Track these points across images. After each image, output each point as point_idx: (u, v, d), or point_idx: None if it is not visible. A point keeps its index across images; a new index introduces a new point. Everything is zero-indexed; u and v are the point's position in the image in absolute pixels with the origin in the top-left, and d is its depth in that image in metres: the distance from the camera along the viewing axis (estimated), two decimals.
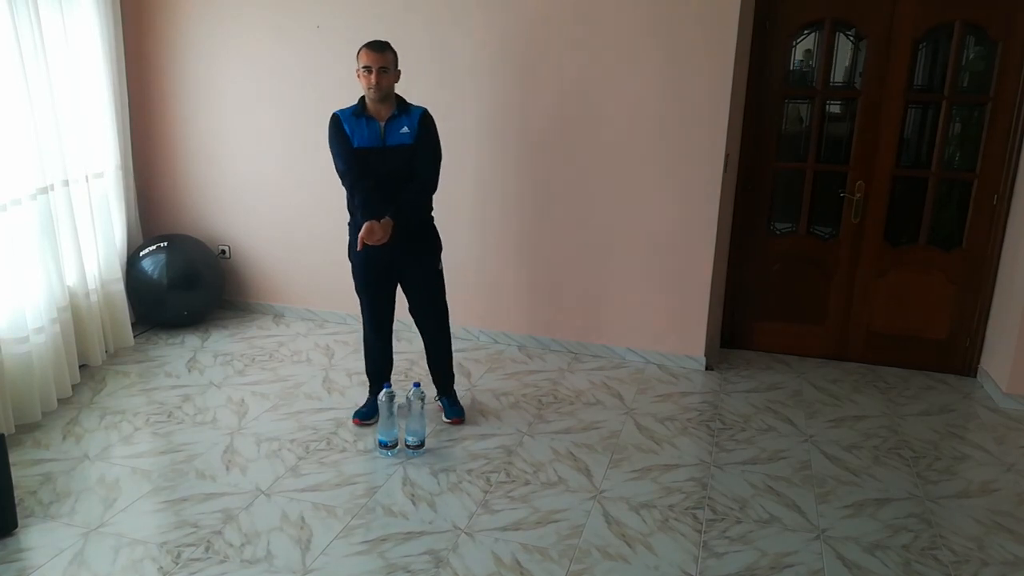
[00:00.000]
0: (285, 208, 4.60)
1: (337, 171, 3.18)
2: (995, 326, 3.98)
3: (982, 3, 3.72)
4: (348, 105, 3.21)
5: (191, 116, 4.60)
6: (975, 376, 4.14)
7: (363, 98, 3.16)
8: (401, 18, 4.06)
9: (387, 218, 3.07)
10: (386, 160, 3.13)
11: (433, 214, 3.33)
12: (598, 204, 4.08)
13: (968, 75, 3.93)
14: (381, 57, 3.06)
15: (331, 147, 3.17)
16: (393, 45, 3.14)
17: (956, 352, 4.16)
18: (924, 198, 4.03)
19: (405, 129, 3.14)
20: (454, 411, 3.46)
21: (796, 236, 4.23)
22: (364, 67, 3.07)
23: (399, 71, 3.18)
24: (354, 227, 3.24)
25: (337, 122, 3.16)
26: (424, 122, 3.18)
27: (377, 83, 3.06)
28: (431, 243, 3.34)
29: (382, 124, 3.13)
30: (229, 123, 4.55)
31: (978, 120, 3.91)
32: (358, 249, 3.09)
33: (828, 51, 3.97)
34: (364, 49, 3.08)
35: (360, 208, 3.11)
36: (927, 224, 4.06)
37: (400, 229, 3.09)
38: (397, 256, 3.22)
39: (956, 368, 4.17)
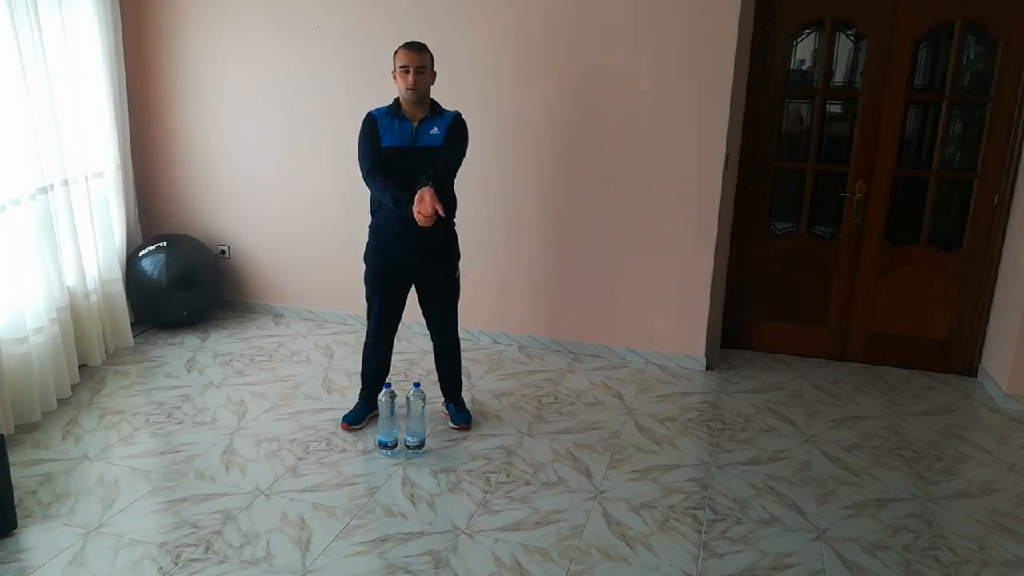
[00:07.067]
0: (284, 208, 4.59)
1: (361, 169, 3.14)
2: (996, 326, 3.98)
3: (983, 2, 3.72)
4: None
5: (190, 116, 4.60)
6: (976, 376, 4.13)
7: (397, 99, 3.14)
8: (401, 18, 4.06)
9: (425, 188, 2.92)
10: (412, 161, 3.09)
11: (455, 220, 3.30)
12: (598, 204, 4.08)
13: (969, 74, 3.92)
14: (419, 57, 3.04)
15: (359, 145, 3.13)
16: (392, 44, 3.14)
17: (957, 352, 4.16)
18: (925, 198, 4.02)
19: (435, 131, 3.11)
20: (461, 417, 3.44)
21: (796, 236, 4.22)
22: (402, 67, 3.04)
23: (435, 72, 3.16)
24: (375, 229, 3.23)
25: (372, 121, 3.12)
26: (455, 125, 3.16)
27: (415, 83, 3.03)
28: (451, 250, 3.30)
29: (414, 125, 3.11)
30: (228, 123, 4.55)
31: (979, 120, 3.91)
32: (426, 226, 2.93)
33: (828, 51, 3.96)
34: (402, 49, 3.06)
35: (392, 204, 3.04)
36: (928, 224, 4.05)
37: (424, 234, 3.03)
38: (415, 262, 3.21)
39: (957, 368, 4.17)
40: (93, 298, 3.96)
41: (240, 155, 4.59)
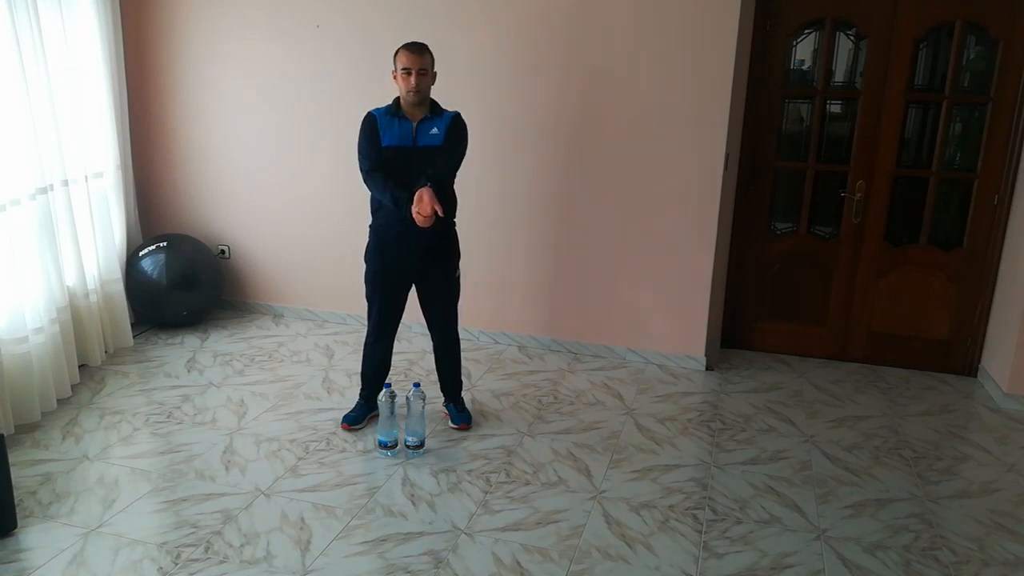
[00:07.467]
0: (284, 208, 4.59)
1: (360, 169, 3.14)
2: (996, 326, 3.98)
3: (983, 2, 3.72)
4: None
5: (190, 116, 4.60)
6: (976, 376, 4.13)
7: (397, 99, 3.13)
8: (401, 18, 4.06)
9: (424, 188, 2.93)
10: (412, 160, 3.09)
11: (455, 220, 3.29)
12: (598, 204, 4.07)
13: (969, 74, 3.92)
14: (420, 59, 3.03)
15: (359, 145, 3.13)
16: (392, 44, 3.14)
17: (957, 352, 4.16)
18: (925, 198, 4.02)
19: (435, 131, 3.11)
20: (461, 417, 3.44)
21: (796, 236, 4.22)
22: (403, 69, 3.03)
23: (435, 73, 3.15)
24: (375, 229, 3.24)
25: (372, 121, 3.12)
26: (455, 125, 3.15)
27: (416, 85, 3.03)
28: (450, 250, 3.30)
29: (414, 124, 3.11)
30: (228, 123, 4.55)
31: (979, 120, 3.91)
32: (425, 227, 2.95)
33: (828, 51, 3.96)
34: (403, 51, 3.05)
35: (392, 204, 3.05)
36: (928, 224, 4.05)
37: (424, 234, 3.03)
38: (415, 261, 3.22)
39: (957, 368, 4.17)
40: (93, 298, 3.96)
41: (240, 155, 4.59)
